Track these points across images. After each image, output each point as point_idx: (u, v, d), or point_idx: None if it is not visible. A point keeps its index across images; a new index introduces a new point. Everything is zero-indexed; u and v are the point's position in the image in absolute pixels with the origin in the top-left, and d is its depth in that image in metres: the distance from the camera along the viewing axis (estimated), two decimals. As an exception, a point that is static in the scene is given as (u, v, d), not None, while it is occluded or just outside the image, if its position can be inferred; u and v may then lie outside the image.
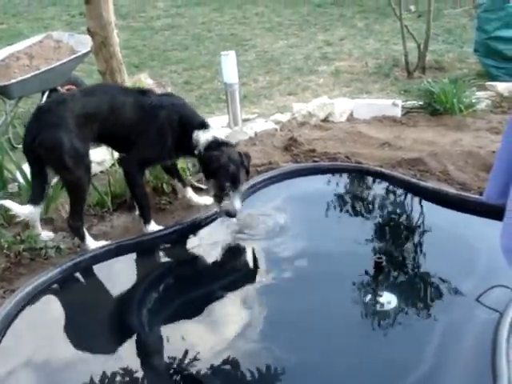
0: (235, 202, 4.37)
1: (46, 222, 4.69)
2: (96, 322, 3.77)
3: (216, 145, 4.47)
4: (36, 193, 4.37)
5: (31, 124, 4.29)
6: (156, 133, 4.44)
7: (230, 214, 4.42)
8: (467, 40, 10.13)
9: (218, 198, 4.44)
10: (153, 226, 4.58)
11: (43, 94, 7.10)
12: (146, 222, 4.58)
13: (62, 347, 3.53)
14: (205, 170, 4.51)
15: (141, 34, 12.45)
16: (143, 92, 4.62)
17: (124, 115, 4.39)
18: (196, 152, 4.49)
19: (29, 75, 6.74)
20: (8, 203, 4.32)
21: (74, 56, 7.18)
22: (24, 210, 4.32)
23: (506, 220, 2.55)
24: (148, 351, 3.44)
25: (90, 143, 4.43)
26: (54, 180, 4.62)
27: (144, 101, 4.46)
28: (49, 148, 4.15)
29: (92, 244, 4.36)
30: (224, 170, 4.36)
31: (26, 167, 4.91)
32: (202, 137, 4.47)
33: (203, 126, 4.54)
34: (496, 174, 2.67)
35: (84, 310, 3.91)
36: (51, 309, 3.92)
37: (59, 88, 7.19)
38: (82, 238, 4.37)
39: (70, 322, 3.77)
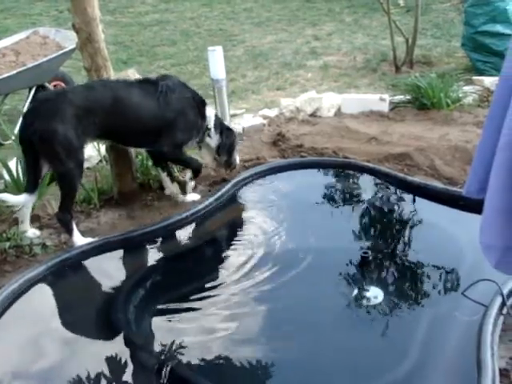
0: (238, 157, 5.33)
1: (33, 219, 4.67)
2: (82, 319, 3.76)
3: (218, 119, 5.08)
4: (31, 182, 4.35)
5: (28, 113, 4.34)
6: (183, 116, 4.70)
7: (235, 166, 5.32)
8: (455, 34, 10.15)
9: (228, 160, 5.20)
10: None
11: (30, 90, 7.06)
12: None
13: (48, 344, 3.50)
14: (226, 145, 5.10)
15: (129, 30, 12.40)
16: (144, 80, 4.75)
17: (134, 107, 4.45)
18: (209, 127, 4.96)
19: (15, 71, 6.68)
20: (3, 196, 4.31)
21: (61, 52, 7.12)
22: (20, 199, 4.32)
23: (485, 216, 2.51)
24: (135, 347, 3.42)
25: (90, 139, 4.43)
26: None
27: (151, 89, 4.56)
28: (42, 136, 4.14)
29: (79, 240, 4.35)
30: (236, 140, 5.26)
31: (13, 164, 4.90)
32: (211, 113, 4.96)
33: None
34: (475, 168, 2.64)
35: (70, 307, 3.90)
36: (37, 306, 3.90)
37: (46, 84, 7.16)
38: (70, 233, 4.35)
39: (56, 320, 3.75)
